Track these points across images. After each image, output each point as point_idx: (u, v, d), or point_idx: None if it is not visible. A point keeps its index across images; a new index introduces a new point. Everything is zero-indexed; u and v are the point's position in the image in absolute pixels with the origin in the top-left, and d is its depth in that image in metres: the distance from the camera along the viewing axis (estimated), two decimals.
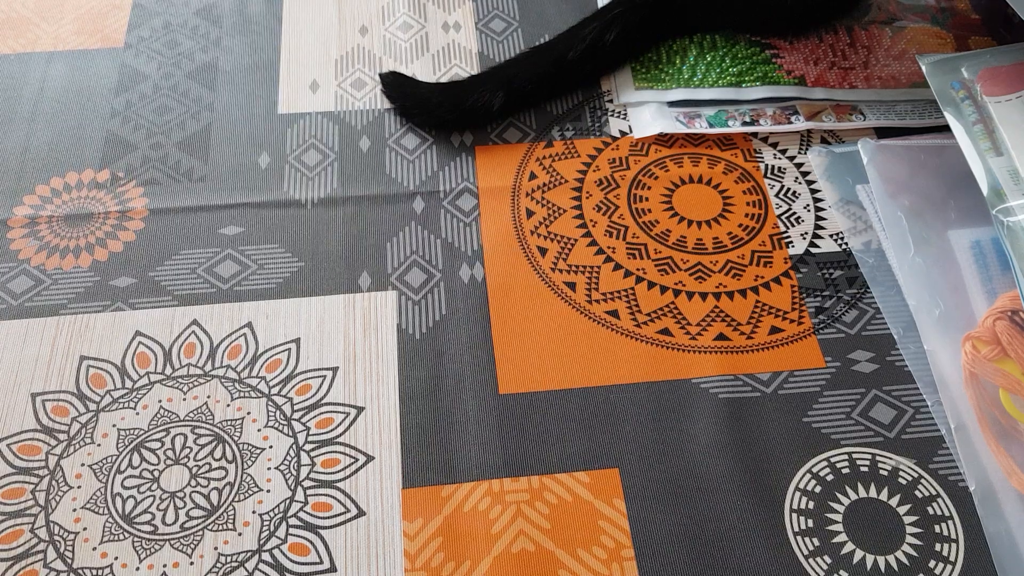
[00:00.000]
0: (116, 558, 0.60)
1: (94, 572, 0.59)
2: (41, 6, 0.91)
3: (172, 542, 0.60)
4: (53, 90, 0.84)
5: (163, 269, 0.73)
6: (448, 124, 0.82)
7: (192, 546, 0.60)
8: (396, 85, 0.84)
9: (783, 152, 0.81)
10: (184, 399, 0.66)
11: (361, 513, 0.62)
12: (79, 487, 0.62)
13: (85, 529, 0.61)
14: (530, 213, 0.77)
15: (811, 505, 0.62)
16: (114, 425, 0.65)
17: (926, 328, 0.69)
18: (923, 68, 0.77)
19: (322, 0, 0.92)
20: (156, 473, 0.63)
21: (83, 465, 0.63)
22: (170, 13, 0.91)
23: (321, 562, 0.60)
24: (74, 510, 0.61)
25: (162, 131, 0.82)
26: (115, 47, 0.88)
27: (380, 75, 0.85)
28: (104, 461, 0.63)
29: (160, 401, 0.66)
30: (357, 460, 0.64)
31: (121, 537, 0.60)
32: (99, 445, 0.64)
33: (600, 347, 0.70)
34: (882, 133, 0.82)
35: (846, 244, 0.76)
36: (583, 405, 0.67)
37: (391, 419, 0.66)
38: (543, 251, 0.75)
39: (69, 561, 0.59)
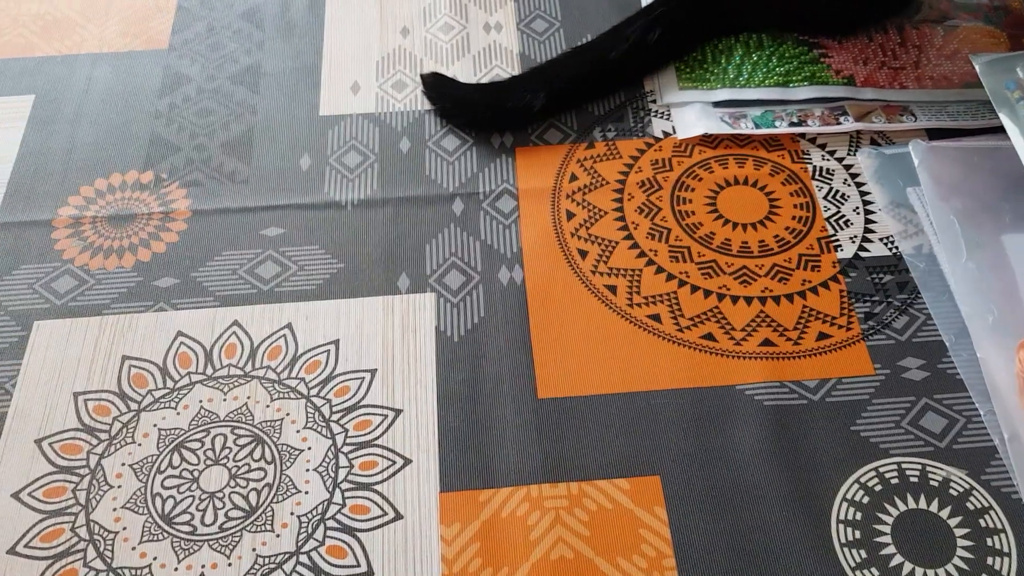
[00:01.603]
0: (155, 558, 0.60)
1: (133, 572, 0.59)
2: (87, 8, 0.92)
3: (211, 543, 0.60)
4: (98, 92, 0.85)
5: (205, 270, 0.73)
6: (488, 125, 0.82)
7: (230, 547, 0.60)
8: (436, 86, 0.84)
9: (831, 153, 0.80)
10: (224, 399, 0.66)
11: (398, 516, 0.61)
12: (119, 486, 0.63)
13: (125, 528, 0.61)
14: (570, 215, 0.76)
15: (859, 516, 0.61)
16: (155, 425, 0.65)
17: (979, 335, 0.67)
18: (977, 68, 0.75)
19: (364, 2, 0.92)
20: (196, 473, 0.63)
21: (124, 465, 0.63)
22: (214, 16, 0.91)
23: (358, 565, 0.59)
24: (114, 509, 0.62)
25: (205, 133, 0.82)
26: (159, 49, 0.88)
27: (421, 76, 0.85)
28: (144, 461, 0.64)
29: (200, 401, 0.66)
30: (395, 463, 0.63)
31: (160, 537, 0.60)
32: (140, 445, 0.64)
33: (641, 352, 0.69)
34: (934, 134, 0.80)
35: (896, 248, 0.74)
36: (623, 411, 0.66)
37: (429, 422, 0.65)
38: (583, 253, 0.74)
39: (109, 560, 0.60)
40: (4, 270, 0.73)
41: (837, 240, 0.74)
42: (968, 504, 0.61)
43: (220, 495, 0.62)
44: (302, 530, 0.61)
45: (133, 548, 0.60)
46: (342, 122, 0.83)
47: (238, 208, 0.77)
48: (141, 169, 0.80)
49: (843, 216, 0.76)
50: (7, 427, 0.65)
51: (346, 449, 0.64)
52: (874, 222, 0.76)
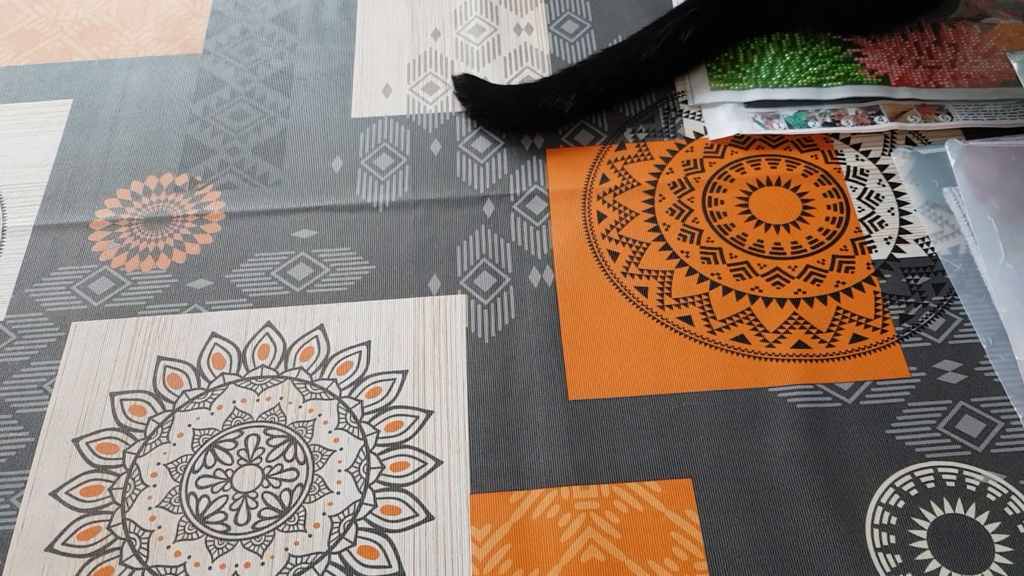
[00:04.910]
0: (189, 556, 0.60)
1: (168, 570, 0.60)
2: (123, 14, 0.93)
3: (244, 542, 0.61)
4: (134, 96, 0.86)
5: (238, 272, 0.74)
6: (519, 126, 0.82)
7: (263, 547, 0.61)
8: (468, 87, 0.84)
9: (866, 154, 0.79)
10: (257, 400, 0.67)
11: (429, 517, 0.61)
12: (154, 486, 0.63)
13: (160, 527, 0.62)
14: (601, 216, 0.76)
15: (894, 521, 0.60)
16: (189, 425, 0.66)
17: (1017, 337, 0.66)
18: (1015, 66, 0.74)
19: (395, 4, 0.93)
20: (229, 473, 0.64)
21: (159, 464, 0.64)
22: (247, 20, 0.92)
23: (389, 566, 0.60)
24: (149, 508, 0.62)
25: (239, 136, 0.83)
26: (194, 53, 0.89)
27: (453, 77, 0.85)
28: (179, 460, 0.64)
29: (234, 402, 0.67)
30: (426, 464, 0.64)
31: (194, 536, 0.61)
32: (174, 444, 0.65)
33: (673, 354, 0.68)
34: (970, 134, 0.79)
35: (932, 249, 0.73)
36: (655, 413, 0.65)
37: (460, 423, 0.65)
38: (614, 255, 0.74)
39: (144, 559, 0.60)
40: (43, 272, 0.74)
41: (871, 241, 0.74)
42: (1006, 509, 0.60)
43: (253, 495, 0.63)
44: (334, 530, 0.61)
45: (168, 547, 0.61)
46: (374, 124, 0.83)
47: (271, 210, 0.78)
48: (176, 172, 0.81)
49: (878, 217, 0.75)
50: (45, 426, 0.66)
51: (378, 450, 0.64)
52: (909, 223, 0.75)
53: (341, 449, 0.64)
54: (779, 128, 0.80)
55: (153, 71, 0.88)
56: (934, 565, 0.58)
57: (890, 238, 0.74)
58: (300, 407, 0.67)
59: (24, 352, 0.70)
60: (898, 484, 0.62)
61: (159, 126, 0.84)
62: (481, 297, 0.72)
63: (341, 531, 0.61)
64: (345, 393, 0.67)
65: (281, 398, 0.67)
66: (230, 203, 0.78)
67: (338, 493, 0.63)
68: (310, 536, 0.61)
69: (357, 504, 0.62)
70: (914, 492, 0.61)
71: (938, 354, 0.67)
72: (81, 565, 0.60)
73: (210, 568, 0.60)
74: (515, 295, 0.72)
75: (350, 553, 0.60)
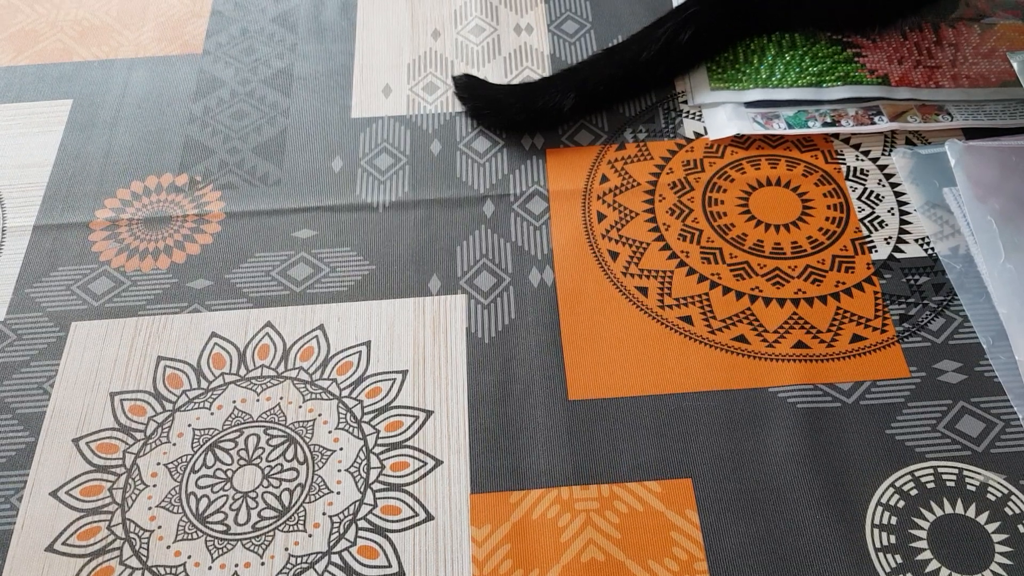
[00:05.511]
0: (189, 556, 0.60)
1: (168, 570, 0.60)
2: (123, 14, 0.93)
3: (244, 542, 0.61)
4: (134, 96, 0.86)
5: (238, 272, 0.74)
6: (519, 125, 0.82)
7: (263, 547, 0.61)
8: (468, 87, 0.84)
9: (866, 154, 0.79)
10: (257, 400, 0.67)
11: (430, 517, 0.61)
12: (154, 486, 0.63)
13: (160, 527, 0.62)
14: (601, 216, 0.76)
15: (894, 521, 0.60)
16: (189, 425, 0.66)
17: (1017, 337, 0.66)
18: (1015, 66, 0.74)
19: (395, 5, 0.93)
20: (229, 473, 0.64)
21: (159, 464, 0.64)
22: (247, 20, 0.92)
23: (390, 566, 0.60)
24: (149, 508, 0.62)
25: (239, 136, 0.83)
26: (194, 53, 0.89)
27: (453, 77, 0.85)
28: (179, 460, 0.64)
29: (234, 402, 0.67)
30: (426, 464, 0.64)
31: (194, 536, 0.61)
32: (174, 444, 0.65)
33: (673, 354, 0.68)
34: (970, 134, 0.79)
35: (932, 249, 0.73)
36: (655, 413, 0.65)
37: (460, 423, 0.65)
38: (614, 255, 0.74)
39: (144, 559, 0.60)
40: (43, 271, 0.74)
41: (871, 241, 0.74)
42: (1006, 509, 0.60)
43: (253, 495, 0.63)
44: (334, 530, 0.61)
45: (168, 547, 0.61)
46: (374, 124, 0.83)
47: (271, 210, 0.78)
48: (176, 172, 0.81)
49: (878, 217, 0.75)
50: (45, 427, 0.66)
51: (378, 450, 0.64)
52: (909, 223, 0.75)
53: (341, 449, 0.64)
54: (779, 128, 0.80)
55: (153, 71, 0.88)
56: (934, 565, 0.58)
57: (890, 238, 0.74)
58: (300, 407, 0.67)
59: (24, 352, 0.70)
60: (898, 484, 0.62)
61: (159, 126, 0.84)
62: (481, 297, 0.72)
63: (341, 531, 0.61)
64: (345, 393, 0.67)
65: (281, 398, 0.67)
66: (230, 203, 0.78)
67: (338, 493, 0.63)
68: (310, 536, 0.61)
69: (357, 504, 0.62)
70: (914, 492, 0.61)
71: (938, 354, 0.67)
72: (81, 565, 0.60)
73: (210, 568, 0.60)
74: (515, 295, 0.72)
75: (350, 553, 0.60)
